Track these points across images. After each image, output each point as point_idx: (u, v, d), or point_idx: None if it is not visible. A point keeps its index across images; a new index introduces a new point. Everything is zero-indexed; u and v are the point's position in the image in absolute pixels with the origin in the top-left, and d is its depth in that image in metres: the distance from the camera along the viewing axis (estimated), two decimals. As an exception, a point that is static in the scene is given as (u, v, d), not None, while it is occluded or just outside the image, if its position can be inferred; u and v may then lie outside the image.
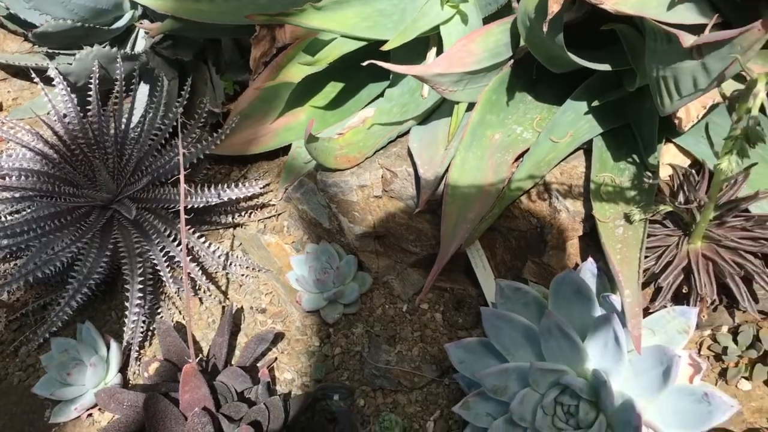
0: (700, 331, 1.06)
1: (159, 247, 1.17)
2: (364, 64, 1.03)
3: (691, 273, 0.98)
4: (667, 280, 0.98)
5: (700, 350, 1.05)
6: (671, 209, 0.97)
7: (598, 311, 0.95)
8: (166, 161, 1.23)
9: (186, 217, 1.12)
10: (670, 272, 0.98)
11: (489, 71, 1.09)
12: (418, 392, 1.11)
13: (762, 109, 0.73)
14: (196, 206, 1.20)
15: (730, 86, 0.93)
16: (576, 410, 0.91)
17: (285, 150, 1.38)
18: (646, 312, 1.01)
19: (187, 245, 1.24)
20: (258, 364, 1.16)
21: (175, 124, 1.27)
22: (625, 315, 0.90)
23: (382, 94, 1.31)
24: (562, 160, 1.09)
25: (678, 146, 1.08)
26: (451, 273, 1.19)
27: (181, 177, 0.98)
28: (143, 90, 1.50)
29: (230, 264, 1.27)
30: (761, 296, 1.00)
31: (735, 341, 1.02)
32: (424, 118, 1.22)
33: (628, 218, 0.98)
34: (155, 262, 1.17)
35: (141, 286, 1.15)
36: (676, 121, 0.97)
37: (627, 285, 0.92)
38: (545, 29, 0.89)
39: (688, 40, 0.78)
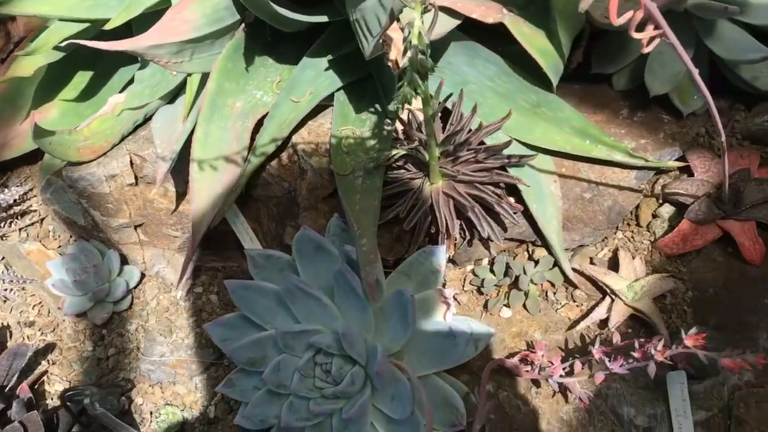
0: (463, 267, 1.08)
1: None
2: (63, 44, 0.95)
3: (435, 212, 0.98)
4: (412, 222, 0.98)
5: (464, 285, 1.06)
6: (404, 152, 0.97)
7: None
8: None
9: None
10: (414, 214, 0.98)
11: (217, 38, 1.05)
12: (197, 379, 1.07)
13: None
14: None
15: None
16: (331, 367, 0.90)
17: (45, 150, 1.28)
18: (403, 258, 1.01)
19: (-66, 268, 1.13)
20: (25, 381, 1.08)
21: None
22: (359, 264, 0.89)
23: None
24: (308, 120, 1.07)
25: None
26: (224, 251, 1.15)
27: None
28: None
29: (-11, 281, 1.17)
30: (509, 224, 1.03)
31: (492, 272, 1.04)
32: (173, 97, 1.17)
33: (366, 168, 0.97)
34: None
35: None
36: (390, 63, 0.96)
37: (364, 234, 0.91)
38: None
39: (357, -22, 0.77)
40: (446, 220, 0.97)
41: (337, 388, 0.88)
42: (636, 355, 0.82)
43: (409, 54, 0.73)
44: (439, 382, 0.93)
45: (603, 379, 0.86)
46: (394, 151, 0.96)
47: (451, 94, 0.91)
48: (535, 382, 0.95)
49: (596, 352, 0.87)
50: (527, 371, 0.94)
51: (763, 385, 0.95)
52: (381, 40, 0.91)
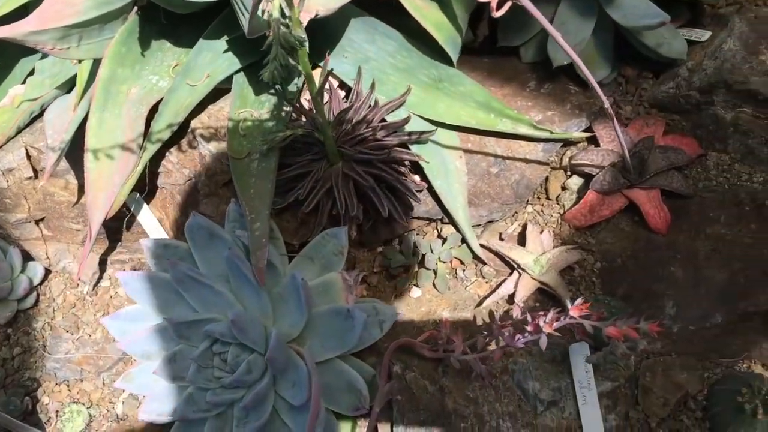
0: (373, 248, 1.06)
1: None
2: (-68, 33, 0.91)
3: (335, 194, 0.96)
4: (311, 204, 0.96)
5: (374, 267, 1.04)
6: (302, 133, 0.94)
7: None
8: None
9: None
10: (314, 196, 0.96)
11: (106, 22, 1.01)
12: (105, 375, 1.04)
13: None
14: None
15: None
16: (228, 356, 0.88)
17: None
18: (308, 242, 0.99)
19: None
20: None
21: None
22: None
23: (36, 68, 1.19)
24: (208, 104, 1.05)
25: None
26: (132, 243, 1.12)
27: None
28: None
29: None
30: (414, 202, 1.01)
31: (401, 252, 1.03)
32: (72, 86, 1.13)
33: (261, 150, 0.95)
34: None
35: None
36: (277, 42, 0.93)
37: (256, 218, 0.89)
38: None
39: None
40: (346, 201, 0.95)
41: (233, 377, 0.85)
42: (529, 328, 0.81)
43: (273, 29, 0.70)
44: (342, 366, 0.91)
45: (501, 355, 0.85)
46: (288, 132, 0.93)
47: (331, 70, 0.88)
48: (442, 361, 0.94)
49: (496, 328, 0.86)
50: (433, 350, 0.92)
51: (670, 353, 0.95)
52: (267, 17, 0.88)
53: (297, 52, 0.73)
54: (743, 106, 1.00)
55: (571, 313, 0.75)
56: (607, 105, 0.80)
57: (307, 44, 0.76)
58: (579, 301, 0.77)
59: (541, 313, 0.83)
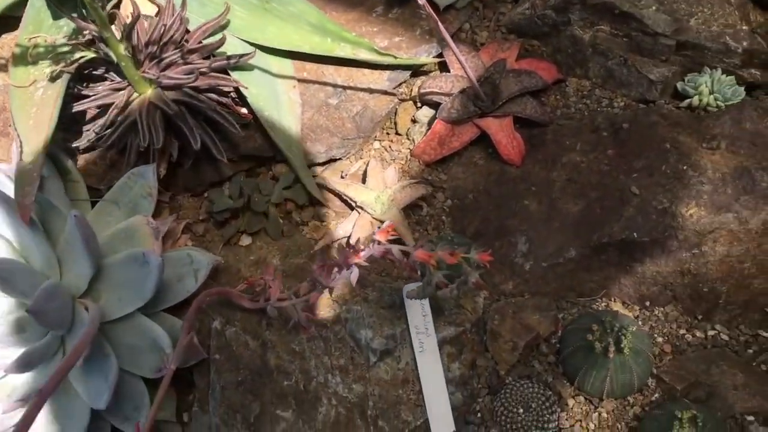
0: (200, 193, 0.93)
1: None
2: None
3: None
4: (110, 140, 0.83)
5: (200, 214, 0.92)
6: (93, 55, 0.81)
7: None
8: None
9: None
10: (114, 130, 0.83)
11: None
12: None
13: None
14: None
15: None
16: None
17: None
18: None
19: None
20: None
21: None
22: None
23: None
24: (4, 32, 0.90)
25: (143, -7, 0.93)
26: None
27: None
28: None
29: None
30: (241, 138, 0.89)
31: (229, 196, 0.90)
32: None
33: (49, 77, 0.82)
34: None
35: None
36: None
37: (31, 151, 0.76)
38: None
39: None
40: (151, 133, 0.82)
41: (-2, 337, 0.72)
42: (340, 262, 0.70)
43: None
44: (146, 323, 0.78)
45: (318, 297, 0.74)
46: (77, 55, 0.80)
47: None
48: (266, 313, 0.82)
49: (316, 269, 0.75)
50: (254, 301, 0.80)
51: (523, 293, 0.85)
52: None
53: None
54: (600, 24, 0.91)
55: (377, 237, 0.65)
56: (429, 10, 0.69)
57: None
58: (386, 224, 0.66)
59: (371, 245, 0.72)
